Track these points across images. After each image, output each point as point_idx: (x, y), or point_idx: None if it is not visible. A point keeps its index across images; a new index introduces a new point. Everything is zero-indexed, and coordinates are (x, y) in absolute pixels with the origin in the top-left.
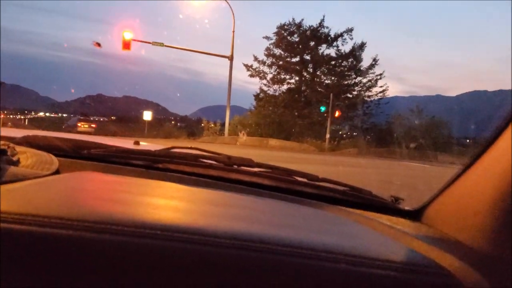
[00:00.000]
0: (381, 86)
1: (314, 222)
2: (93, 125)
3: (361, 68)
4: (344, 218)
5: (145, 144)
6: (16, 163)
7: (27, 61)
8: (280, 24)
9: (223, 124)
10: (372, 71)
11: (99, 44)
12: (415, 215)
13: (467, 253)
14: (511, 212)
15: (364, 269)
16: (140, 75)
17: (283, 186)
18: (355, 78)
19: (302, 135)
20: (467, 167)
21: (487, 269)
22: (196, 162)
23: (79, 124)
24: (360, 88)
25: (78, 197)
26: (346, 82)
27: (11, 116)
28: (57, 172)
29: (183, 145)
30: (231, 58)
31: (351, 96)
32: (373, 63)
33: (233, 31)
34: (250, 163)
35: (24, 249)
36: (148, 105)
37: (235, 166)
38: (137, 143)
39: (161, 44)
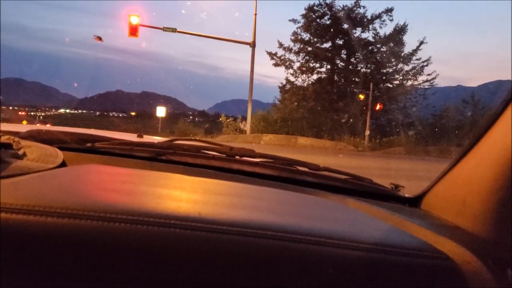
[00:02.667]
0: (428, 74)
1: (314, 210)
2: (48, 125)
3: (403, 54)
4: (344, 205)
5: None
6: (22, 156)
7: (47, 58)
8: (309, 5)
9: (243, 119)
10: (416, 56)
11: (100, 38)
12: (414, 202)
13: (465, 237)
14: (508, 197)
15: (363, 253)
16: (158, 71)
17: (284, 175)
18: (396, 65)
19: (336, 131)
20: (465, 153)
21: (484, 252)
22: (198, 153)
23: (37, 125)
24: (402, 77)
25: (84, 188)
26: (385, 70)
27: (32, 113)
28: (62, 165)
29: None
30: (253, 45)
31: (391, 86)
32: (418, 47)
33: (255, 14)
34: (252, 153)
35: (33, 239)
36: (166, 100)
37: (237, 157)
38: (140, 136)
39: (173, 30)
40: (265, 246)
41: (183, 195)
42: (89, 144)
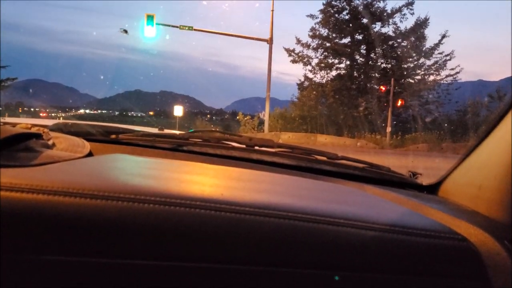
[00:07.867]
0: (452, 69)
1: (332, 194)
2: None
3: (424, 48)
4: (362, 191)
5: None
6: (51, 146)
7: (67, 60)
8: (327, 0)
9: (261, 110)
10: (438, 50)
11: (126, 31)
12: (432, 189)
13: (482, 220)
14: None
15: (380, 233)
16: (177, 70)
17: (303, 164)
18: (417, 60)
19: (356, 129)
20: (481, 140)
21: (501, 234)
22: (219, 144)
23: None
24: (424, 72)
25: (112, 174)
26: (406, 65)
27: (53, 114)
28: (89, 154)
29: None
30: (270, 41)
31: (413, 81)
32: (440, 41)
33: (272, 10)
34: (271, 143)
35: (68, 218)
36: (184, 99)
37: (257, 147)
38: (161, 130)
39: (190, 28)
40: (285, 226)
41: (205, 180)
42: (114, 136)
